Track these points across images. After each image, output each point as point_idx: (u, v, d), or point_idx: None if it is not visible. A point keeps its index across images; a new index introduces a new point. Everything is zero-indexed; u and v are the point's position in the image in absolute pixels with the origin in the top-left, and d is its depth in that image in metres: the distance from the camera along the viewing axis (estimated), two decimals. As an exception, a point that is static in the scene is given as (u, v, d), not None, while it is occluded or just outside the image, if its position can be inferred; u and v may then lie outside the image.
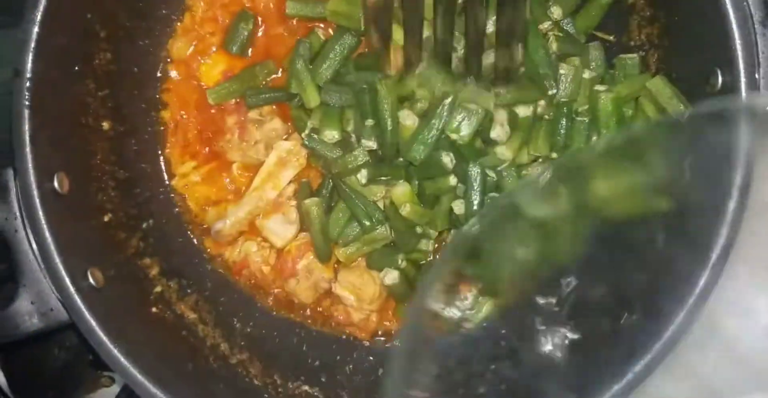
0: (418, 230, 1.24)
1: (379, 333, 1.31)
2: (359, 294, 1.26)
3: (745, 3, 1.01)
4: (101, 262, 1.09)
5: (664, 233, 1.14)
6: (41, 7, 1.02)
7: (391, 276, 1.26)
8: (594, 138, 1.20)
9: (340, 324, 1.30)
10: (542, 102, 1.20)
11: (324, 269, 1.28)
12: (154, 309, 1.20)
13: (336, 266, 1.29)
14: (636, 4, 1.20)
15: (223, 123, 1.28)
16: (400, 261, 1.26)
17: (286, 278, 1.28)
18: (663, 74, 1.18)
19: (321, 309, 1.32)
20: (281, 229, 1.27)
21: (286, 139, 1.27)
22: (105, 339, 1.01)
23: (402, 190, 1.21)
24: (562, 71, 1.19)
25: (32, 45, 1.02)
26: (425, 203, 1.23)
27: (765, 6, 1.04)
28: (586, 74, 1.20)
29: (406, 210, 1.20)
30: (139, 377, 1.02)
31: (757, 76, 1.01)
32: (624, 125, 1.19)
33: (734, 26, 1.00)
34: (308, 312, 1.32)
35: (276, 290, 1.31)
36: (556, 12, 1.22)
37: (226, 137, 1.28)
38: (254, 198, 1.27)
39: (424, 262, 1.28)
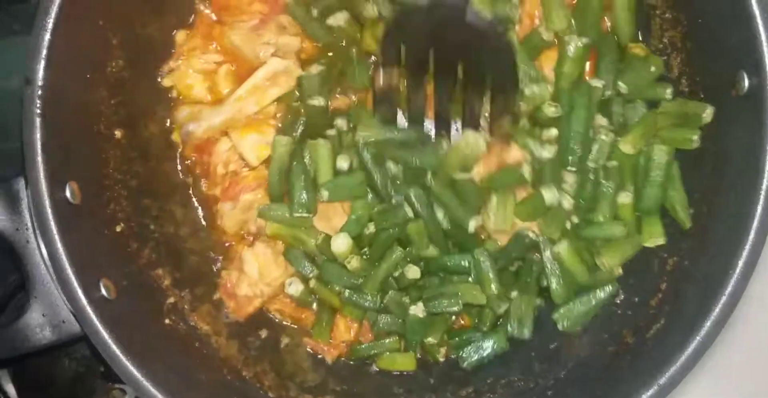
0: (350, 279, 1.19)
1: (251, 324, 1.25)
2: (263, 270, 1.20)
3: (772, 4, 0.99)
4: (113, 273, 1.07)
5: (689, 241, 1.13)
6: (53, 14, 1.00)
7: (295, 288, 1.22)
8: (626, 196, 1.17)
9: (225, 291, 1.23)
10: (570, 180, 1.17)
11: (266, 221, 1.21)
12: (167, 320, 1.18)
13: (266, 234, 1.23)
14: (658, 7, 1.17)
15: (249, 5, 1.24)
16: (310, 273, 1.21)
17: (225, 199, 1.23)
18: (685, 78, 1.16)
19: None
20: (257, 147, 1.22)
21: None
22: (118, 351, 0.99)
23: (343, 242, 1.16)
24: (596, 146, 1.16)
25: (44, 52, 1.00)
26: (371, 253, 1.19)
27: (793, 7, 1.02)
28: (608, 137, 1.17)
29: (352, 265, 1.17)
30: (153, 390, 1.00)
31: (785, 78, 0.99)
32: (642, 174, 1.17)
33: (761, 28, 0.98)
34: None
35: (210, 192, 1.26)
36: (623, 87, 1.19)
37: (242, 17, 1.24)
38: (235, 107, 1.22)
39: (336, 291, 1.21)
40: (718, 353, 1.21)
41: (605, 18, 1.23)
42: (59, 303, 1.02)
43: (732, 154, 1.06)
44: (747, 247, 0.99)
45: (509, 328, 1.20)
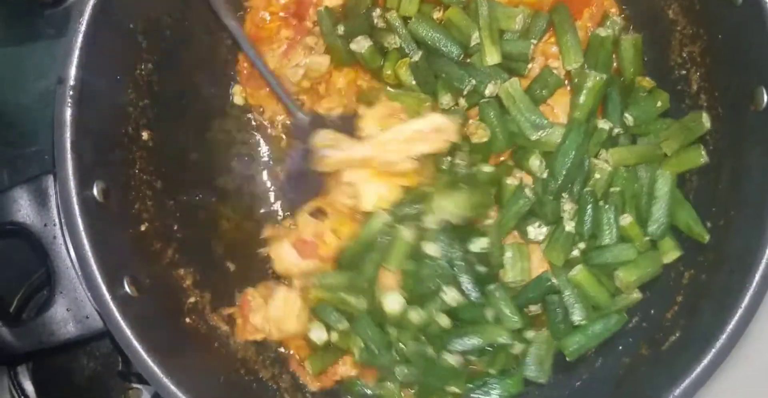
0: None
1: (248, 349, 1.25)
2: (284, 317, 1.19)
3: (791, 21, 1.00)
4: (137, 271, 1.08)
5: (706, 254, 1.13)
6: (87, 16, 1.03)
7: (318, 334, 1.20)
8: (624, 218, 1.17)
9: (240, 314, 1.23)
10: (567, 207, 1.19)
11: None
12: (187, 320, 1.19)
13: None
14: (678, 22, 1.19)
15: (277, 33, 1.30)
16: (338, 325, 1.19)
17: (298, 251, 1.21)
18: (704, 93, 1.17)
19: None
20: (378, 195, 1.15)
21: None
22: (139, 348, 1.00)
23: (396, 301, 1.16)
24: (597, 175, 1.18)
25: (76, 53, 1.03)
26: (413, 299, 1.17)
27: (812, 24, 1.03)
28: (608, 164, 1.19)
29: (412, 317, 1.16)
30: (172, 388, 1.01)
31: (803, 94, 1.00)
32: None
33: (780, 44, 1.00)
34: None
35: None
36: (629, 119, 1.21)
37: (273, 46, 1.29)
38: (376, 150, 1.15)
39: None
40: (732, 366, 1.21)
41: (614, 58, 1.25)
42: (83, 298, 1.03)
43: (749, 169, 1.07)
44: (763, 261, 0.99)
45: (528, 371, 1.18)
